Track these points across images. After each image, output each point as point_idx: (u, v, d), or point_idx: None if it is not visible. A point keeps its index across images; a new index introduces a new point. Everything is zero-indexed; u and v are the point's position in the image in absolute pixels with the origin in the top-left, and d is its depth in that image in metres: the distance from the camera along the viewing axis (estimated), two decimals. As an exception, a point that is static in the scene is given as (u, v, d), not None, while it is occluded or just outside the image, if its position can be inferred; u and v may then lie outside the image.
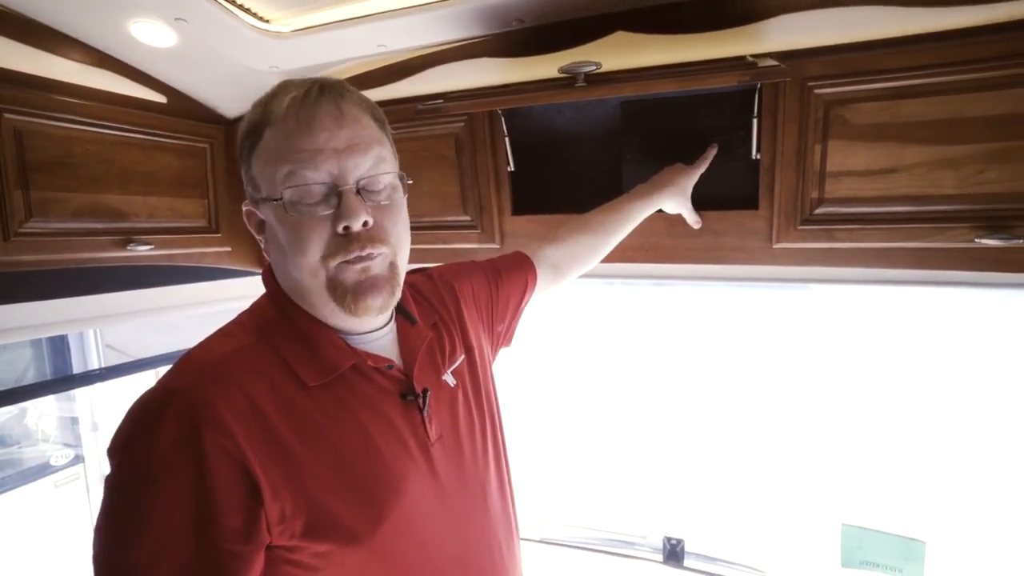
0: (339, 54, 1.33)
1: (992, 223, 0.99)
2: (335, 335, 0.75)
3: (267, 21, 1.22)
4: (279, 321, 0.75)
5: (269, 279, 0.79)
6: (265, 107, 0.70)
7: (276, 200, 0.69)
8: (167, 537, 0.60)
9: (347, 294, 0.70)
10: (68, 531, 2.85)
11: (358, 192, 0.69)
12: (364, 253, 0.70)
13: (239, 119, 1.61)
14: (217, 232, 1.60)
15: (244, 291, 1.86)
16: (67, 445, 3.01)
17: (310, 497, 0.66)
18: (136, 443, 0.63)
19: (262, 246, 0.77)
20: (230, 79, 1.45)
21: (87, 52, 1.31)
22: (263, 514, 0.63)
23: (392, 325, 0.83)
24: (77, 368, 2.83)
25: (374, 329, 0.80)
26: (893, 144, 1.02)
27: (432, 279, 0.98)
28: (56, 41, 1.25)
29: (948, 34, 0.97)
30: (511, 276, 1.07)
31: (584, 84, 0.96)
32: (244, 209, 0.76)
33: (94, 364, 2.86)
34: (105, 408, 3.03)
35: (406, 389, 0.78)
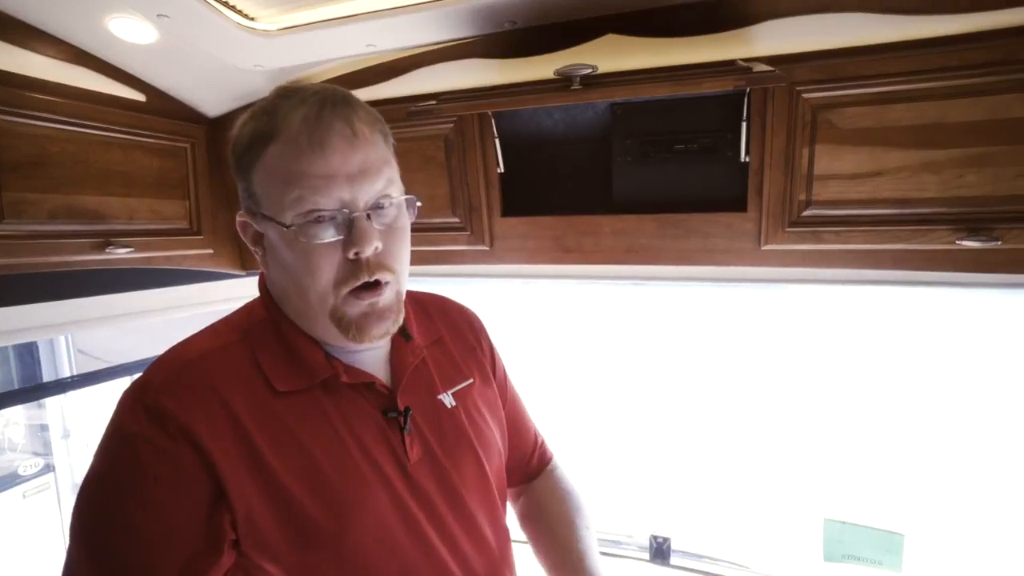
0: (326, 53, 1.31)
1: (972, 225, 1.02)
2: (317, 347, 0.75)
3: (252, 19, 1.20)
4: (265, 325, 0.75)
5: (263, 286, 0.79)
6: (270, 119, 0.68)
7: (285, 226, 0.68)
8: (130, 532, 0.62)
9: (351, 326, 0.71)
10: (37, 544, 2.74)
11: (368, 216, 0.69)
12: (373, 279, 0.69)
13: (221, 118, 1.57)
14: (199, 234, 1.56)
15: (226, 294, 1.82)
16: (36, 454, 2.90)
17: (276, 497, 0.66)
18: (107, 439, 0.66)
19: (258, 258, 0.76)
20: (212, 78, 1.42)
21: (62, 48, 1.26)
22: (225, 511, 0.64)
23: (386, 340, 0.80)
24: (47, 375, 2.73)
25: (364, 345, 0.77)
26: (878, 148, 1.04)
27: (448, 304, 0.98)
28: (29, 36, 1.21)
29: (930, 42, 1.00)
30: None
31: (580, 87, 0.96)
32: (239, 220, 0.74)
33: (65, 371, 2.77)
34: (77, 415, 2.93)
35: (388, 405, 0.77)
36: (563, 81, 0.99)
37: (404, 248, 0.74)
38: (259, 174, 0.69)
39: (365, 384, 0.76)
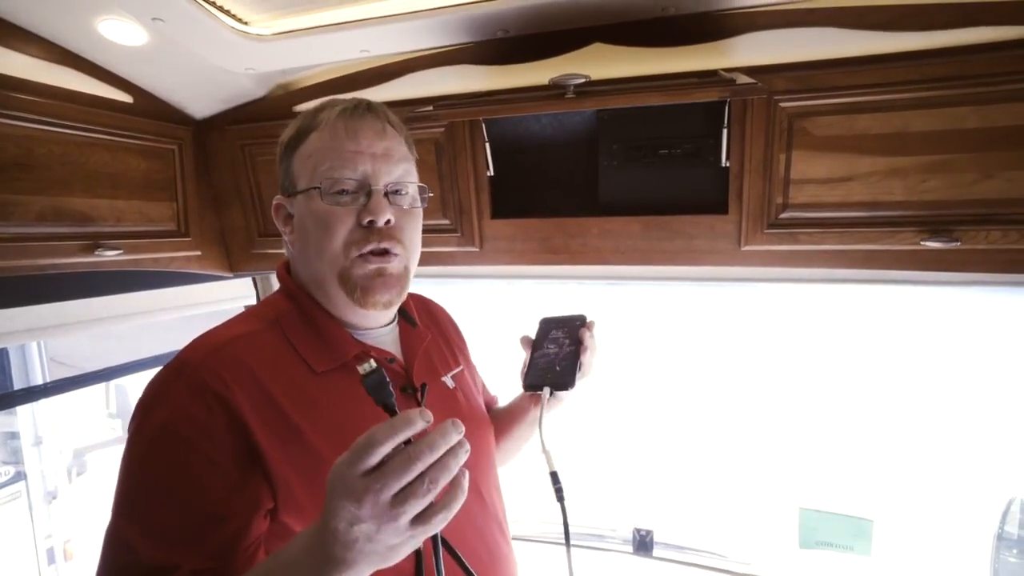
0: (320, 58, 1.32)
1: (934, 227, 1.09)
2: (343, 327, 0.81)
3: (246, 23, 1.21)
4: (292, 312, 0.80)
5: (285, 275, 0.85)
6: (314, 116, 0.80)
7: (314, 188, 0.77)
8: (184, 491, 0.65)
9: (356, 288, 0.77)
10: (9, 553, 2.66)
11: (386, 195, 0.78)
12: (381, 247, 0.76)
13: (208, 120, 1.57)
14: (187, 236, 1.55)
15: (212, 295, 1.81)
16: (6, 462, 2.82)
17: (314, 468, 0.69)
18: (149, 415, 0.68)
19: (286, 238, 0.84)
20: (201, 80, 1.42)
21: (47, 48, 1.25)
22: (263, 480, 0.67)
23: (395, 325, 0.89)
24: (19, 382, 2.65)
25: (379, 326, 0.86)
26: (849, 155, 1.11)
27: (427, 301, 1.08)
28: (13, 35, 1.19)
29: (894, 56, 1.07)
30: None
31: (573, 96, 1.00)
32: (275, 203, 0.84)
33: (38, 378, 2.69)
34: (49, 422, 2.85)
35: (405, 383, 0.83)
36: (558, 89, 1.03)
37: (416, 229, 0.83)
38: (298, 157, 0.80)
39: (383, 364, 0.79)
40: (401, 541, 0.53)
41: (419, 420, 0.53)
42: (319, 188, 0.77)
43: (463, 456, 0.55)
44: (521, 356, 1.02)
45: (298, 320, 0.79)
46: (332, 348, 0.79)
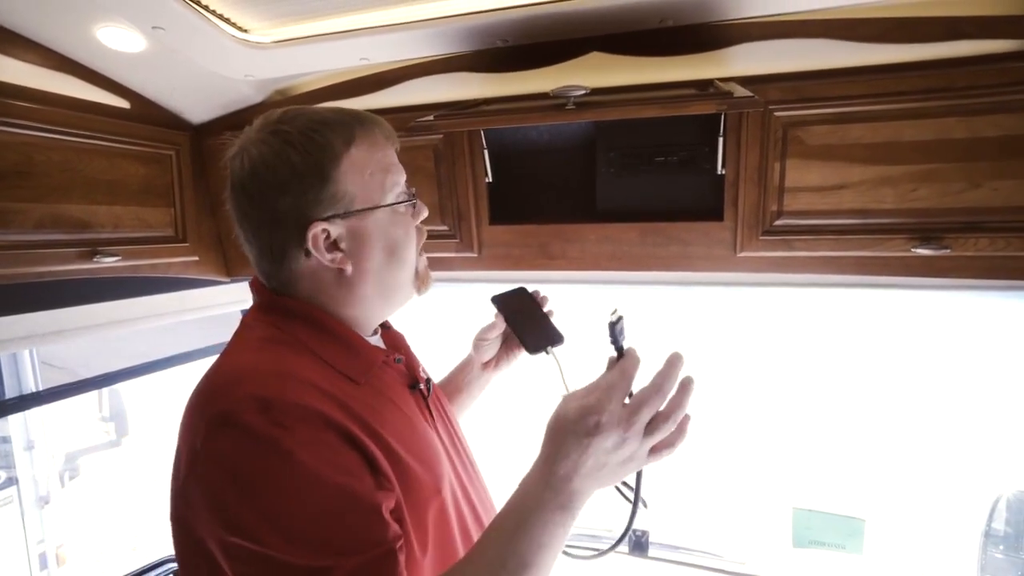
0: (319, 65, 1.33)
1: (924, 235, 1.12)
2: (360, 336, 0.82)
3: (246, 31, 1.22)
4: (308, 332, 0.76)
5: (269, 293, 0.80)
6: (331, 134, 0.74)
7: (391, 205, 0.79)
8: (347, 500, 0.64)
9: (421, 277, 0.86)
10: (0, 559, 2.64)
11: None
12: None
13: (205, 125, 1.57)
14: (184, 241, 1.55)
15: (207, 300, 1.81)
16: (-3, 467, 2.79)
17: (398, 465, 0.72)
18: (249, 458, 0.63)
19: (329, 264, 0.76)
20: (199, 85, 1.42)
21: (44, 54, 1.25)
22: (380, 475, 0.69)
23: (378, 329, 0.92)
24: (10, 388, 2.62)
25: (375, 332, 0.89)
26: (841, 163, 1.14)
27: None
28: (9, 42, 1.19)
29: (885, 68, 1.09)
30: None
31: (573, 107, 1.02)
32: (312, 233, 0.74)
33: (30, 383, 2.66)
34: (40, 426, 2.83)
35: (412, 381, 0.87)
36: (558, 100, 1.04)
37: None
38: (346, 175, 0.75)
39: (393, 364, 0.85)
40: (636, 465, 0.63)
41: (640, 355, 0.65)
42: (402, 200, 0.80)
43: (692, 392, 0.63)
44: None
45: (320, 338, 0.77)
46: (362, 358, 0.79)
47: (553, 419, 0.63)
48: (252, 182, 0.74)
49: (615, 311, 0.69)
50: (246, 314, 0.83)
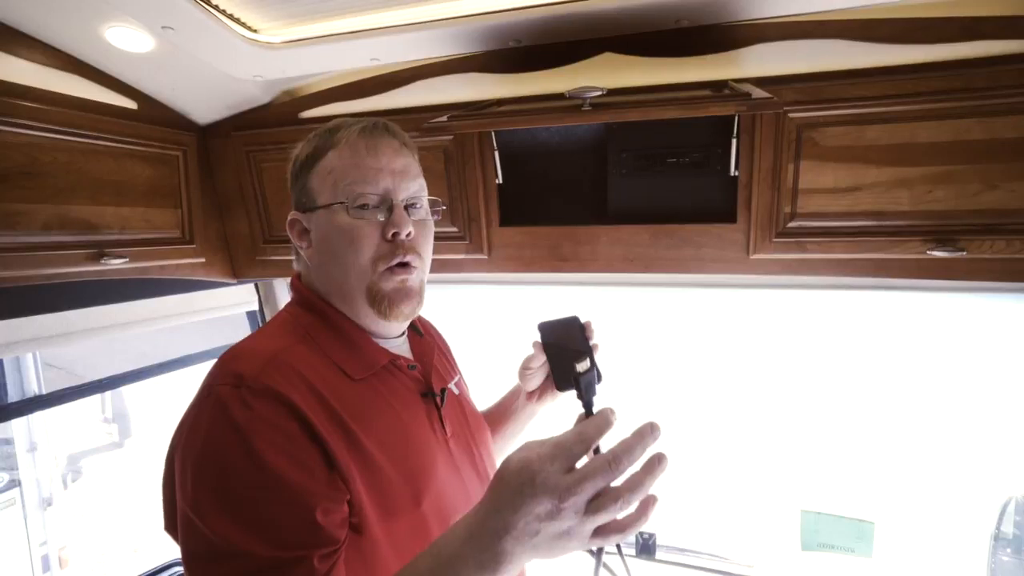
0: (330, 66, 1.32)
1: (940, 237, 1.11)
2: (369, 336, 0.84)
3: (256, 31, 1.21)
4: (317, 324, 0.82)
5: (303, 287, 0.86)
6: (331, 134, 0.82)
7: (338, 203, 0.79)
8: (283, 492, 0.65)
9: (384, 300, 0.81)
10: (3, 561, 2.62)
11: (405, 208, 0.82)
12: (406, 260, 0.80)
13: (212, 125, 1.56)
14: (191, 243, 1.54)
15: (215, 302, 1.80)
16: (0, 469, 2.78)
17: (368, 468, 0.72)
18: (213, 433, 0.67)
19: (301, 252, 0.86)
20: (206, 85, 1.41)
21: (52, 54, 1.24)
22: (338, 478, 0.69)
23: (405, 335, 0.93)
24: (13, 390, 2.60)
25: (395, 336, 0.89)
26: (857, 165, 1.13)
27: (426, 320, 1.11)
28: (15, 41, 1.18)
29: (901, 69, 1.08)
30: None
31: (589, 108, 1.01)
32: (290, 218, 0.85)
33: (32, 386, 2.64)
34: (43, 428, 2.81)
35: (425, 389, 0.87)
36: (574, 101, 1.03)
37: (430, 240, 0.87)
38: (317, 175, 0.82)
39: (405, 371, 0.85)
40: (576, 544, 0.53)
41: (614, 419, 0.55)
42: (343, 203, 0.79)
43: (659, 472, 0.54)
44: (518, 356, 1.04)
45: (326, 331, 0.82)
46: (364, 356, 0.82)
47: (501, 466, 0.55)
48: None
49: (585, 360, 0.63)
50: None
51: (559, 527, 0.51)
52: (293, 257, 0.90)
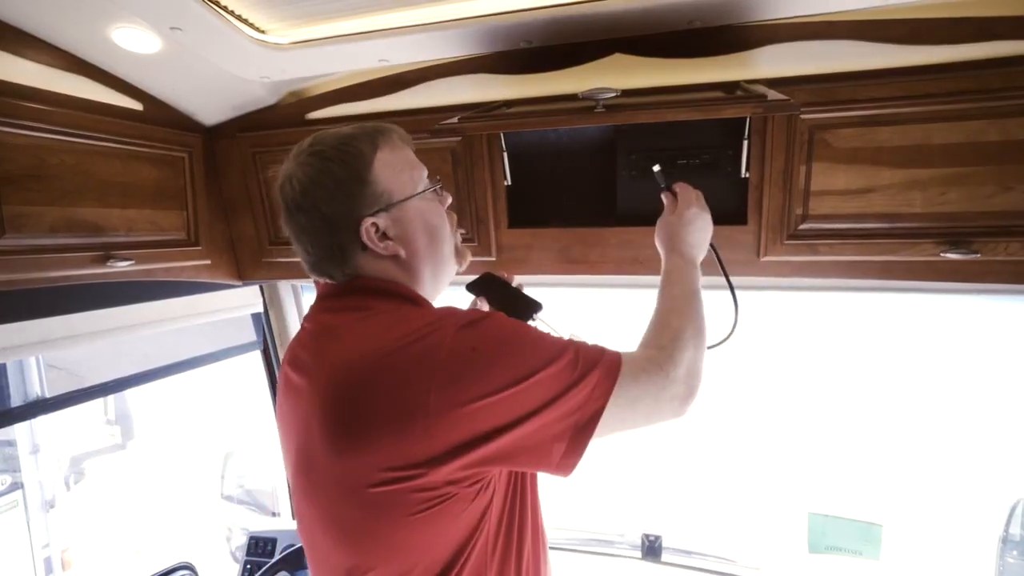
0: (338, 67, 1.32)
1: (953, 239, 1.10)
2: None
3: (264, 32, 1.20)
4: (395, 302, 0.88)
5: (401, 287, 0.89)
6: (367, 142, 0.87)
7: (420, 193, 0.90)
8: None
9: (459, 253, 0.98)
10: (6, 563, 2.62)
11: None
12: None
13: (218, 127, 1.55)
14: (197, 245, 1.53)
15: (220, 304, 1.79)
16: (2, 471, 2.76)
17: None
18: (470, 332, 0.77)
19: (384, 252, 0.87)
20: (212, 87, 1.41)
21: (58, 56, 1.23)
22: None
23: None
24: (16, 392, 2.59)
25: None
26: (869, 166, 1.12)
27: None
28: (21, 42, 1.17)
29: (914, 70, 1.08)
30: None
31: (603, 110, 1.00)
32: (365, 227, 0.85)
33: (35, 388, 2.63)
34: (46, 429, 2.80)
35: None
36: (587, 102, 1.03)
37: None
38: (378, 177, 0.86)
39: None
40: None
41: None
42: (425, 190, 0.91)
43: None
44: None
45: (409, 303, 0.91)
46: None
47: (665, 227, 1.06)
48: (305, 199, 0.84)
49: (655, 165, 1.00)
50: (313, 310, 0.92)
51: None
52: (330, 269, 0.89)
